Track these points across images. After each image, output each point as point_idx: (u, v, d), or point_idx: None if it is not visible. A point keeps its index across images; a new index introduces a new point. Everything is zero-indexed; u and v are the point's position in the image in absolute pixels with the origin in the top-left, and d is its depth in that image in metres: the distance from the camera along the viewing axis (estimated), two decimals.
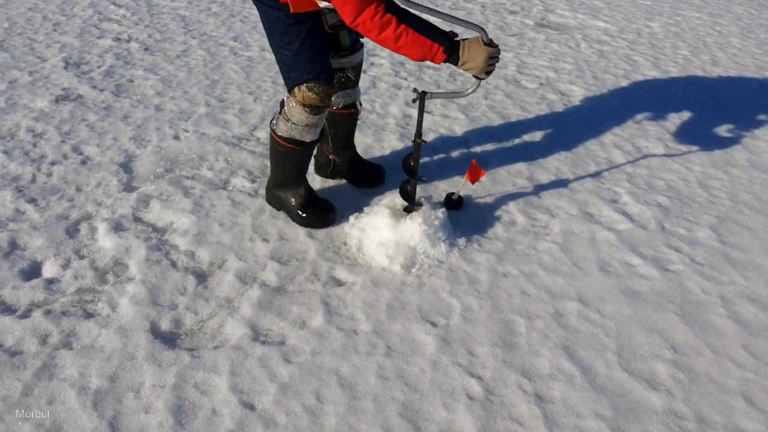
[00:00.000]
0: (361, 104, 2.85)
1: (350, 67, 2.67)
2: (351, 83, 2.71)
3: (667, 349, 2.14)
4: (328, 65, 2.39)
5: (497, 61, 2.26)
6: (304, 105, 2.38)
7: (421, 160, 3.19)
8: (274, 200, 2.74)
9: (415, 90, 2.44)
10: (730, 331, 2.22)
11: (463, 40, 2.20)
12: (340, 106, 2.75)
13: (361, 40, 2.63)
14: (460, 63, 2.21)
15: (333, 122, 2.81)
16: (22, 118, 3.51)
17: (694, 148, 3.49)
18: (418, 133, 2.51)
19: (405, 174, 2.60)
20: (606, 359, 2.08)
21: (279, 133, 2.49)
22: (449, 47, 2.17)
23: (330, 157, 2.82)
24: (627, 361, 2.08)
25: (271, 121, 2.56)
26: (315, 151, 2.95)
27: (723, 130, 3.73)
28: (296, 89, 2.36)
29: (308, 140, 2.51)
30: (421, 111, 2.47)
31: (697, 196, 3.03)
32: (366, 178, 2.95)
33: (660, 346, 2.15)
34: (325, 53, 2.40)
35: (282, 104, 2.48)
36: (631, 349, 2.13)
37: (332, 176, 3.00)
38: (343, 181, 3.00)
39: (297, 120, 2.42)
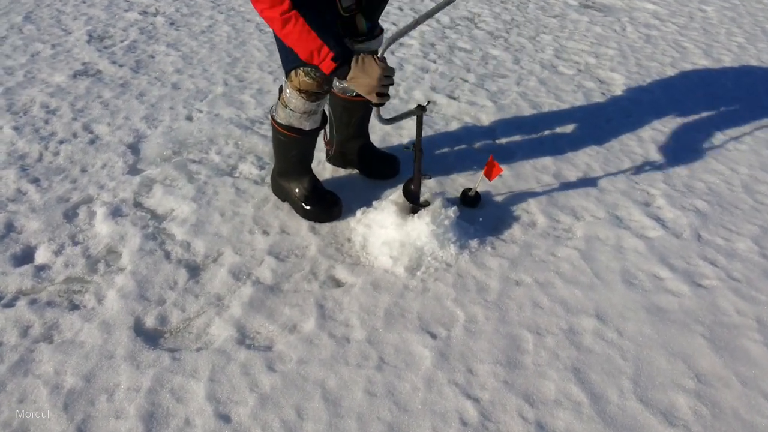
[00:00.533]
0: None
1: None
2: None
3: (690, 377, 1.93)
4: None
5: (391, 83, 2.07)
6: (300, 90, 2.22)
7: (440, 151, 3.02)
8: (279, 190, 2.60)
9: (419, 106, 2.31)
10: (764, 361, 1.99)
11: (359, 54, 2.01)
12: (354, 94, 2.57)
13: (381, 26, 2.43)
14: (348, 77, 2.01)
15: (346, 110, 2.64)
16: (38, 93, 3.44)
17: (742, 147, 3.20)
18: (418, 146, 2.37)
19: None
20: (620, 386, 1.89)
21: (278, 120, 2.34)
22: (341, 56, 1.97)
23: (326, 146, 2.62)
24: (643, 389, 1.88)
25: (271, 108, 2.41)
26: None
27: None
28: (293, 73, 2.21)
29: (308, 128, 2.36)
30: (419, 125, 2.35)
31: (741, 201, 2.76)
32: (378, 169, 2.78)
33: (682, 373, 1.94)
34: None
35: (281, 89, 2.32)
36: (649, 375, 1.93)
37: (343, 165, 2.84)
38: (355, 171, 2.84)
39: (294, 106, 2.27)
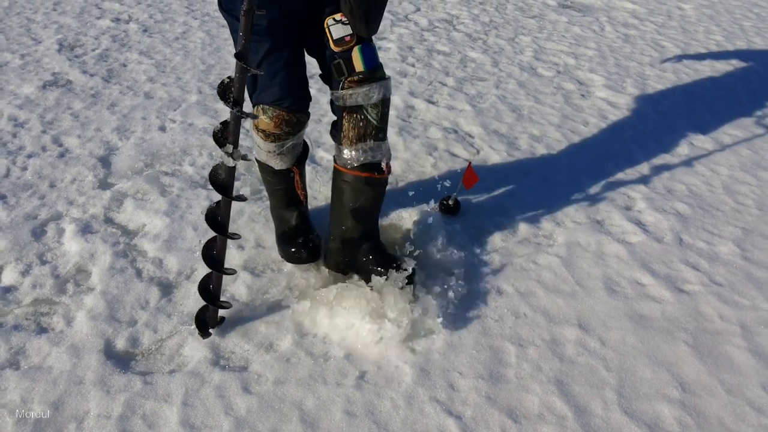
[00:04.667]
0: (389, 166, 2.09)
1: (368, 105, 1.96)
2: (372, 131, 1.99)
3: (674, 386, 1.90)
4: (294, 88, 1.96)
5: None
6: (257, 128, 2.03)
7: (418, 158, 2.97)
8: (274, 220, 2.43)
9: None
10: (748, 367, 1.97)
11: None
12: (354, 166, 2.04)
13: (385, 71, 2.02)
14: None
15: (343, 191, 2.10)
16: (6, 105, 3.35)
17: (722, 147, 3.19)
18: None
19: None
20: (604, 398, 1.85)
21: (255, 154, 2.21)
22: None
23: (298, 192, 2.28)
24: (628, 400, 1.85)
25: None
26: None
27: (755, 127, 3.41)
28: (254, 108, 2.02)
29: (277, 167, 2.16)
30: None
31: (722, 203, 2.75)
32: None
33: (667, 383, 1.91)
34: (294, 71, 1.96)
35: None
36: (633, 386, 1.90)
37: (345, 272, 2.26)
38: None
39: (258, 143, 2.11)
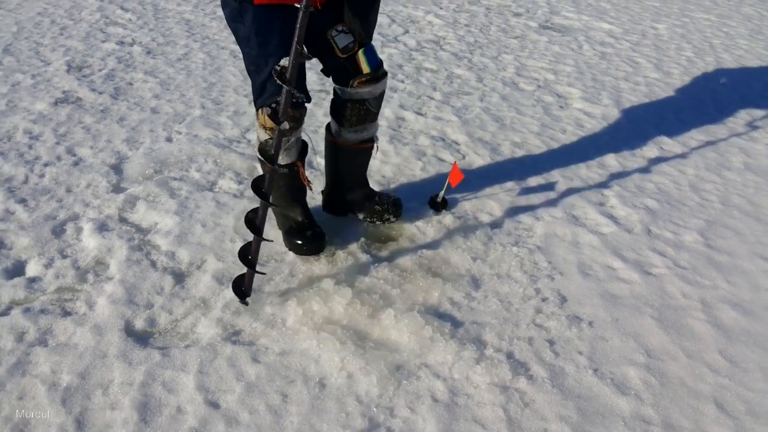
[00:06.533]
0: (377, 138, 2.59)
1: (371, 99, 2.36)
2: (371, 116, 2.42)
3: (640, 353, 2.11)
4: (298, 88, 2.07)
5: None
6: (265, 128, 2.23)
7: (408, 162, 3.20)
8: (276, 218, 2.64)
9: None
10: (707, 336, 2.18)
11: None
12: (356, 142, 2.48)
13: (384, 67, 2.36)
14: None
15: (340, 159, 2.58)
16: (21, 120, 3.57)
17: (689, 151, 3.44)
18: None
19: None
20: (576, 362, 2.06)
21: (258, 154, 2.37)
22: None
23: (304, 182, 2.47)
24: (598, 364, 2.06)
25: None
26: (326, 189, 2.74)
27: (720, 133, 3.68)
28: (259, 111, 2.22)
29: (283, 163, 2.32)
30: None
31: (688, 199, 2.99)
32: (381, 215, 2.68)
33: (633, 350, 2.12)
34: (300, 76, 2.15)
35: None
36: (603, 352, 2.11)
37: (344, 213, 2.75)
38: None
39: (265, 142, 2.27)
